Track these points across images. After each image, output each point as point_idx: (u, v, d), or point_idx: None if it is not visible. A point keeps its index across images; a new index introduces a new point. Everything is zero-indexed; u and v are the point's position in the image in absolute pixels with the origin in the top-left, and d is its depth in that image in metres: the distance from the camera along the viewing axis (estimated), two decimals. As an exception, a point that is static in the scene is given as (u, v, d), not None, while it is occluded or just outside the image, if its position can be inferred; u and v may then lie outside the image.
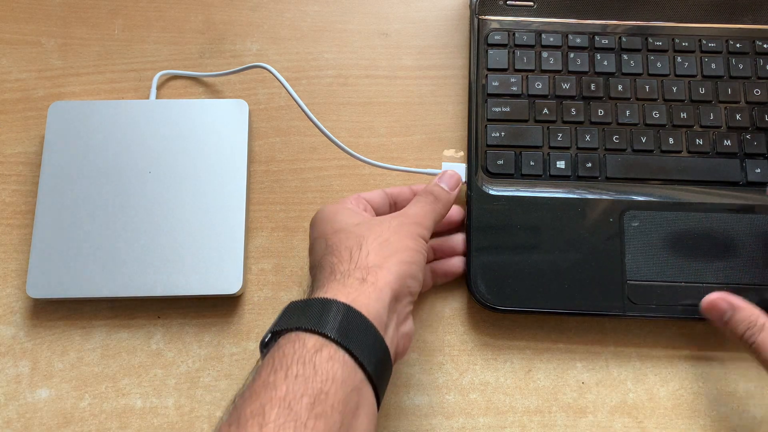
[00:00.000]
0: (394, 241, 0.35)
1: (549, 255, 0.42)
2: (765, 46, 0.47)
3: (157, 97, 0.49)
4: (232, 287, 0.42)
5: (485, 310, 0.42)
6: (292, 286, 0.45)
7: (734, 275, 0.42)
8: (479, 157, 0.45)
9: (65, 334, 0.44)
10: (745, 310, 0.38)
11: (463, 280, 0.43)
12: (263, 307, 0.44)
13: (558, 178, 0.44)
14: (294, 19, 0.52)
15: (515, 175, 0.45)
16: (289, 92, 0.45)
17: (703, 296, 0.41)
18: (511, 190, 0.44)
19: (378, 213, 0.42)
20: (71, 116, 0.46)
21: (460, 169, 0.44)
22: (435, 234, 0.42)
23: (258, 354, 0.38)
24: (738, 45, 0.47)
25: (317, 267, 0.36)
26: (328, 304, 0.32)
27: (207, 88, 0.50)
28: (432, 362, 0.43)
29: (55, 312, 0.44)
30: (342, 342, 0.30)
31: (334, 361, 0.30)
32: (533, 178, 0.44)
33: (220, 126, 0.46)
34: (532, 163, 0.45)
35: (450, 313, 0.44)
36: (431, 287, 0.43)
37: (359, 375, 0.30)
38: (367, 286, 0.33)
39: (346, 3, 0.52)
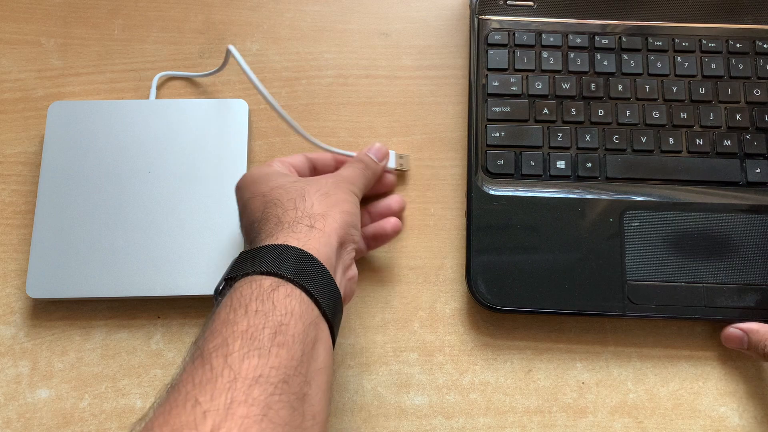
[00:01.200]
0: (333, 194, 0.37)
1: (549, 255, 0.42)
2: (765, 46, 0.47)
3: (157, 97, 0.49)
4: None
5: (485, 310, 0.42)
6: (292, 286, 0.45)
7: (734, 275, 0.42)
8: (479, 157, 0.45)
9: (65, 334, 0.44)
10: (757, 332, 0.40)
11: (464, 280, 0.43)
12: (263, 307, 0.44)
13: (558, 178, 0.44)
14: (294, 19, 0.52)
15: (515, 175, 0.45)
16: (255, 85, 0.42)
17: (703, 296, 0.41)
18: (511, 190, 0.44)
19: (301, 175, 0.43)
20: (71, 116, 0.46)
21: (392, 155, 0.46)
22: (370, 200, 0.45)
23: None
24: (738, 45, 0.47)
25: (260, 221, 0.36)
26: (281, 249, 0.33)
27: (207, 87, 0.50)
28: (432, 362, 0.43)
29: (55, 312, 0.44)
30: (298, 280, 0.32)
31: (292, 297, 0.31)
32: (533, 178, 0.44)
33: (220, 126, 0.46)
34: (532, 163, 0.45)
35: (450, 313, 0.44)
36: (367, 252, 0.44)
37: (315, 311, 0.32)
38: (315, 232, 0.34)
39: (346, 3, 0.52)
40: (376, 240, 0.43)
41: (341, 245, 0.36)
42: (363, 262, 0.45)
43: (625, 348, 0.43)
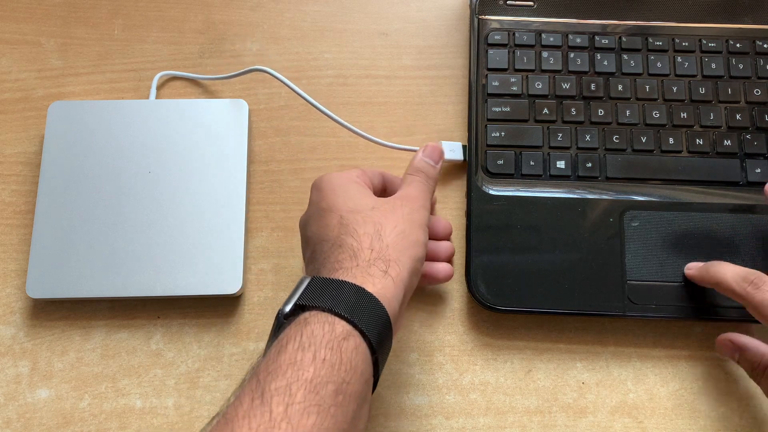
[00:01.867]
0: (408, 233, 0.36)
1: (549, 255, 0.42)
2: (765, 46, 0.47)
3: (157, 96, 0.49)
4: (231, 287, 0.42)
5: (485, 310, 0.42)
6: (291, 286, 0.44)
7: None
8: (479, 157, 0.45)
9: (65, 334, 0.44)
10: (749, 350, 0.39)
11: (464, 280, 0.43)
12: (263, 307, 0.44)
13: (558, 178, 0.44)
14: (294, 19, 0.52)
15: (515, 175, 0.45)
16: (291, 88, 0.45)
17: (703, 296, 0.41)
18: (511, 190, 0.44)
19: (375, 193, 0.42)
20: (71, 116, 0.46)
21: (457, 147, 0.45)
22: None
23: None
24: (738, 45, 0.47)
25: (333, 244, 0.35)
26: (360, 294, 0.32)
27: (207, 87, 0.50)
28: (432, 362, 0.43)
29: (55, 312, 0.44)
30: (369, 336, 0.31)
31: (359, 352, 0.30)
32: (533, 178, 0.44)
33: (219, 126, 0.46)
34: (532, 163, 0.44)
35: (450, 313, 0.44)
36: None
37: (371, 369, 0.31)
38: (388, 280, 0.33)
39: (346, 3, 0.52)
40: (425, 279, 0.42)
41: (405, 296, 0.35)
42: (363, 262, 0.45)
43: (625, 348, 0.43)
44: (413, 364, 0.43)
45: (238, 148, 0.45)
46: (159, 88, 0.49)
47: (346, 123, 0.44)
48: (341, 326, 0.30)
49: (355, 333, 0.31)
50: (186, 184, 0.44)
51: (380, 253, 0.34)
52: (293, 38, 0.51)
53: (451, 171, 0.47)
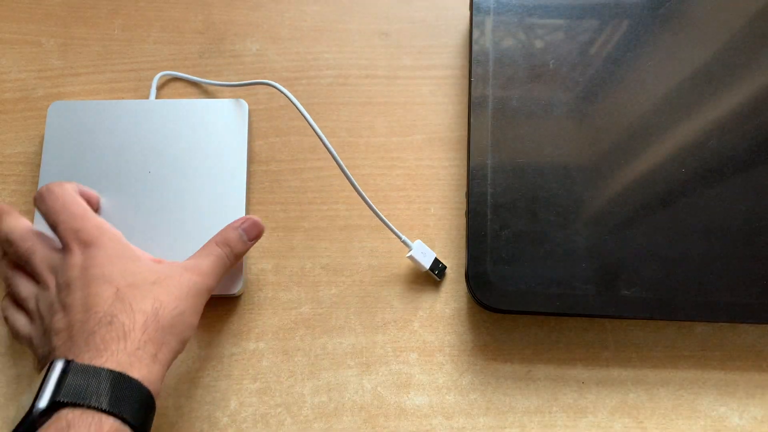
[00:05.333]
0: (186, 315, 0.35)
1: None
2: None
3: (157, 96, 0.49)
4: (232, 287, 0.42)
5: (485, 310, 0.42)
6: (291, 286, 0.45)
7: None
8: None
9: (65, 334, 0.44)
10: None
11: (464, 280, 0.43)
12: (263, 307, 0.44)
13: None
14: (294, 19, 0.52)
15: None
16: (296, 106, 0.44)
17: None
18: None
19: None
20: (71, 115, 0.46)
21: (430, 255, 0.44)
22: None
23: None
24: None
25: (103, 319, 0.33)
26: (125, 382, 0.31)
27: (207, 87, 0.50)
28: (432, 362, 0.43)
29: (55, 312, 0.44)
30: (137, 425, 0.31)
31: None
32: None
33: (220, 126, 0.46)
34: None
35: (450, 313, 0.44)
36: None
37: None
38: (156, 364, 0.33)
39: (346, 3, 0.52)
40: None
41: (167, 368, 0.35)
42: (363, 261, 0.45)
43: (625, 348, 0.43)
44: (413, 364, 0.43)
45: (238, 148, 0.45)
46: (159, 87, 0.49)
47: (347, 173, 0.43)
48: (108, 424, 0.29)
49: (123, 427, 0.30)
50: (186, 184, 0.44)
51: (153, 335, 0.33)
52: (293, 38, 0.51)
53: (450, 171, 0.47)
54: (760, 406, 0.42)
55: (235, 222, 0.40)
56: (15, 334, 0.38)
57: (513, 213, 0.43)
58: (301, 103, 0.46)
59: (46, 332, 0.35)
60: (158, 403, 0.39)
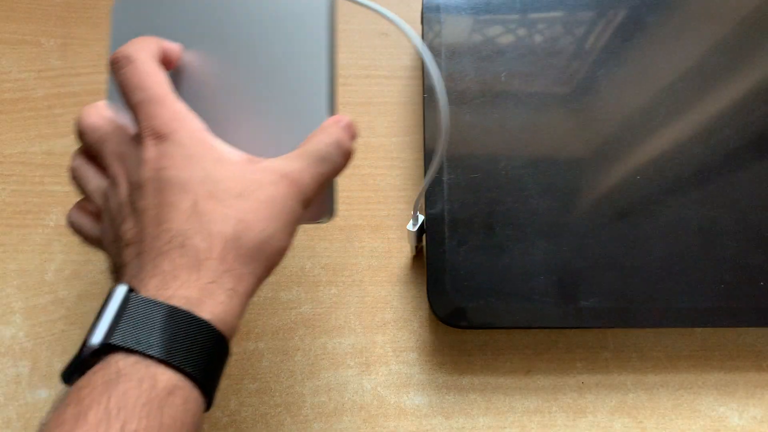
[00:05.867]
0: (276, 238, 0.29)
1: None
2: None
3: None
4: (324, 211, 0.34)
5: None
6: (291, 286, 0.45)
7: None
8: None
9: (65, 334, 0.44)
10: None
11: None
12: (263, 307, 0.44)
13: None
14: (294, 19, 0.52)
15: None
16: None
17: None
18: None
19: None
20: (137, 13, 0.37)
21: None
22: None
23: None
24: None
25: (174, 239, 0.27)
26: (194, 324, 0.26)
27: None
28: (432, 362, 0.43)
29: (55, 312, 0.44)
30: (204, 382, 0.26)
31: (187, 407, 0.25)
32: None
33: (295, 12, 0.35)
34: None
35: (450, 313, 0.44)
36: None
37: (201, 413, 0.27)
38: (235, 300, 0.27)
39: (346, 2, 0.52)
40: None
41: (249, 299, 0.29)
42: (363, 261, 0.45)
43: (624, 348, 0.43)
44: (413, 364, 0.43)
45: (317, 38, 0.35)
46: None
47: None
48: (165, 377, 0.24)
49: (184, 382, 0.25)
50: (263, 70, 0.35)
51: (232, 265, 0.27)
52: (293, 38, 0.51)
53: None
54: (760, 406, 0.42)
55: (339, 120, 0.32)
56: (83, 240, 0.33)
57: (470, 228, 0.41)
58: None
59: (117, 239, 0.30)
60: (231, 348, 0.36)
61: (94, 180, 0.32)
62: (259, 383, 0.42)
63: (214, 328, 0.26)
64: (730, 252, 0.41)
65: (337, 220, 0.46)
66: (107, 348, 0.25)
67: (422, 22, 0.46)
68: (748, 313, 0.40)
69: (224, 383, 0.42)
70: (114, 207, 0.30)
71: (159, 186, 0.28)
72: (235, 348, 0.43)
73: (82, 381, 0.24)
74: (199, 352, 0.26)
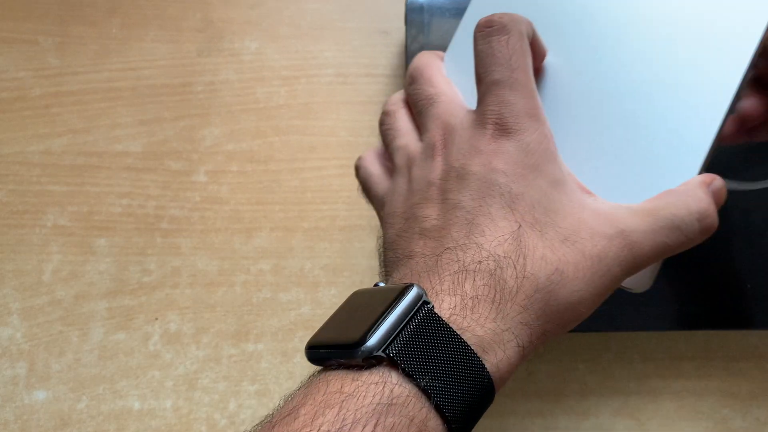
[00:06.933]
0: (584, 304, 0.24)
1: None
2: None
3: None
4: (642, 281, 0.28)
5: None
6: (291, 287, 0.44)
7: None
8: None
9: (62, 335, 0.43)
10: None
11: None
12: (262, 308, 0.44)
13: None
14: (293, 17, 0.51)
15: None
16: None
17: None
18: None
19: None
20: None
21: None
22: None
23: None
24: None
25: (491, 256, 0.23)
26: (479, 376, 0.22)
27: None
28: (432, 364, 0.43)
29: (52, 313, 0.44)
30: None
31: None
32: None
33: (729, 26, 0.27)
34: None
35: (450, 314, 0.44)
36: None
37: None
38: (515, 358, 0.23)
39: (346, 1, 0.52)
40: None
41: None
42: (363, 262, 0.45)
43: (627, 350, 0.43)
44: (413, 365, 0.43)
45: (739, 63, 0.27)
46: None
47: None
48: (432, 424, 0.20)
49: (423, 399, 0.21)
50: (651, 94, 0.28)
51: (532, 317, 0.23)
52: (292, 36, 0.51)
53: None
54: (764, 408, 0.42)
55: (710, 181, 0.26)
56: (364, 189, 0.30)
57: None
58: (301, 102, 0.46)
59: (409, 217, 0.26)
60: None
61: (406, 136, 0.29)
62: (258, 385, 0.42)
63: (491, 382, 0.22)
64: (731, 253, 0.41)
65: (337, 220, 0.46)
66: (377, 359, 0.21)
67: (406, 23, 0.46)
68: (751, 315, 0.40)
69: (223, 385, 0.42)
70: (418, 178, 0.27)
71: (484, 188, 0.25)
72: (234, 350, 0.43)
73: (346, 384, 0.20)
74: (468, 405, 0.21)
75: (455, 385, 0.21)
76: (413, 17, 0.45)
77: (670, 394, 0.42)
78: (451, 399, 0.21)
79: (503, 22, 0.26)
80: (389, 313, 0.21)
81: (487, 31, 0.26)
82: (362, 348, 0.21)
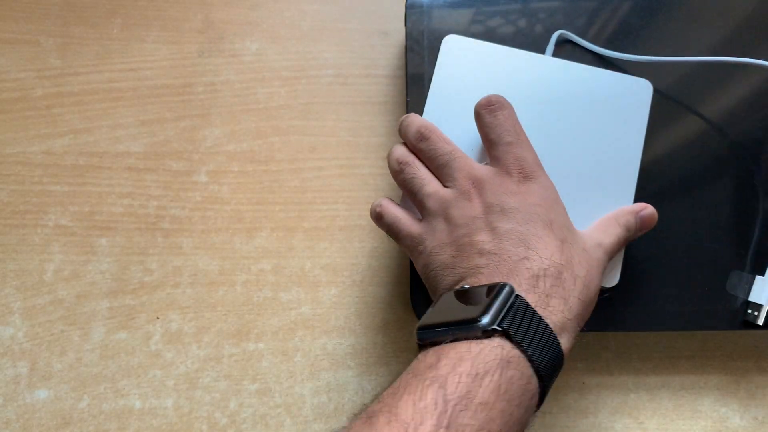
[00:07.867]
0: (596, 295, 0.33)
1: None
2: None
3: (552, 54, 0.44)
4: (611, 278, 0.38)
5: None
6: (291, 287, 0.44)
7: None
8: None
9: (64, 334, 0.43)
10: None
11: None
12: (262, 307, 0.44)
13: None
14: (293, 18, 0.51)
15: None
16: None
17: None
18: None
19: None
20: (463, 52, 0.41)
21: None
22: None
23: None
24: None
25: (552, 265, 0.31)
26: (559, 354, 0.30)
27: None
28: (432, 363, 0.43)
29: (54, 312, 0.44)
30: (542, 396, 0.29)
31: (533, 407, 0.29)
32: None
33: (618, 101, 0.40)
34: None
35: (450, 314, 0.44)
36: None
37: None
38: (572, 341, 0.31)
39: (345, 2, 0.52)
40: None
41: None
42: (363, 261, 0.45)
43: (626, 349, 0.43)
44: (413, 364, 0.43)
45: (635, 129, 0.39)
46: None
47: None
48: (534, 381, 0.28)
49: (537, 388, 0.29)
50: (575, 153, 0.39)
51: (579, 309, 0.31)
52: (293, 37, 0.51)
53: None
54: (762, 407, 0.42)
55: (635, 207, 0.37)
56: (392, 230, 0.37)
57: None
58: (301, 103, 0.46)
59: (462, 245, 0.33)
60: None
61: (432, 183, 0.36)
62: (259, 384, 0.42)
63: (563, 356, 0.30)
64: (729, 254, 0.41)
65: (337, 220, 0.46)
66: (492, 332, 0.28)
67: (405, 24, 0.46)
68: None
69: (224, 384, 0.42)
70: (459, 216, 0.34)
71: (527, 217, 0.32)
72: (235, 349, 0.43)
73: (473, 347, 0.28)
74: (552, 371, 0.29)
75: (546, 356, 0.29)
76: (413, 18, 0.45)
77: (668, 393, 0.42)
78: (545, 365, 0.28)
79: (501, 101, 0.36)
80: (495, 299, 0.29)
81: (489, 108, 0.36)
82: (481, 322, 0.28)
